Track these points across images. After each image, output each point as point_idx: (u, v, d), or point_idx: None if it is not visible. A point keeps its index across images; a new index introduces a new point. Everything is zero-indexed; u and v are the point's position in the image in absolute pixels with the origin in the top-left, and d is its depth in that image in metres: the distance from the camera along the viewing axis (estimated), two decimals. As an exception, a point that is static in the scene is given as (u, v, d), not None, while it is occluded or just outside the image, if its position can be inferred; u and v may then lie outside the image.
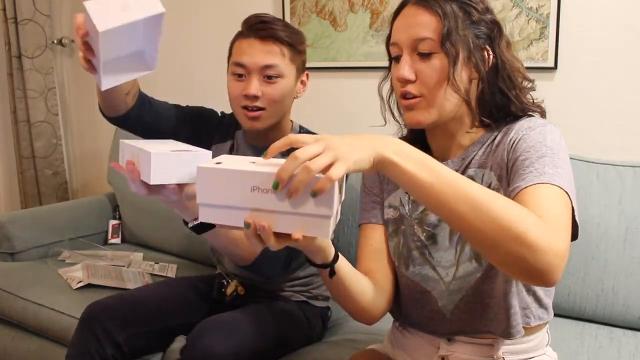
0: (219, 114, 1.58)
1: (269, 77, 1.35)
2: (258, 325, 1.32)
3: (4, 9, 2.56)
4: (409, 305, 1.10)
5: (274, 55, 1.35)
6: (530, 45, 1.67)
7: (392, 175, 0.79)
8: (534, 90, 1.04)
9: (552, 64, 1.65)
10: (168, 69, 2.48)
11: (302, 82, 1.45)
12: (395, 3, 1.99)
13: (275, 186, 0.74)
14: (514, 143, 0.96)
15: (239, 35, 1.39)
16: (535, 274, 0.77)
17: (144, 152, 0.94)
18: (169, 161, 0.93)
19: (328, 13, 2.00)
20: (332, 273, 0.96)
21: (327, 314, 1.56)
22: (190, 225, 1.05)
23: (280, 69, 1.36)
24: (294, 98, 1.45)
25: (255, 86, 1.34)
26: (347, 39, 1.98)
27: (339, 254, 0.97)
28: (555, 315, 1.17)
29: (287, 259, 1.34)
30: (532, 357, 1.05)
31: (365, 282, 1.04)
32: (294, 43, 1.38)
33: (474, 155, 1.02)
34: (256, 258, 1.21)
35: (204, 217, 0.83)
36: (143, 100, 1.45)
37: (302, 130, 1.50)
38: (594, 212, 1.45)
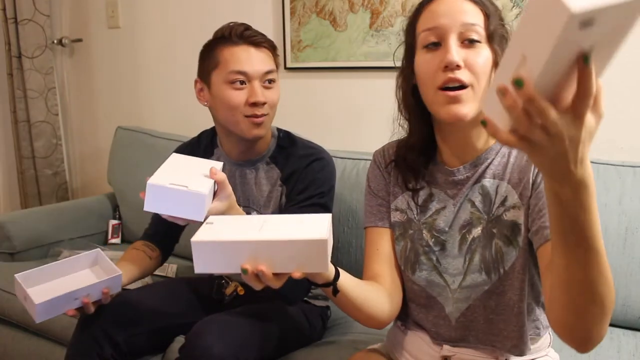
0: (192, 140, 1.58)
1: (269, 82, 1.37)
2: (257, 324, 1.32)
3: (4, 9, 2.56)
4: (414, 308, 1.10)
5: (271, 60, 1.38)
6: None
7: (575, 200, 0.67)
8: None
9: (552, 64, 1.65)
10: (169, 67, 2.49)
11: None
12: (396, 3, 1.99)
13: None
14: None
15: (225, 42, 1.36)
16: (584, 343, 0.79)
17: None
18: (162, 194, 0.95)
19: (328, 13, 2.00)
20: (336, 291, 0.95)
21: (327, 313, 1.56)
22: None
23: (275, 74, 1.39)
24: None
25: (261, 93, 1.35)
26: (347, 39, 1.98)
27: (340, 270, 0.96)
28: (556, 315, 1.17)
29: (309, 284, 1.36)
30: (535, 359, 1.05)
31: (371, 290, 1.04)
32: (275, 47, 1.42)
33: (489, 164, 1.00)
34: (282, 283, 1.22)
35: (200, 268, 0.84)
36: (159, 244, 1.53)
37: (281, 133, 1.49)
38: (594, 212, 1.44)
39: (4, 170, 2.89)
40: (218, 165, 1.07)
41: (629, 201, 1.43)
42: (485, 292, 0.99)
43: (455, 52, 0.90)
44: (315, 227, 0.87)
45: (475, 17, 0.93)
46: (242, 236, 0.83)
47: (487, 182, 0.99)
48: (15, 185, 2.82)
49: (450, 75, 0.90)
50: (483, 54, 0.92)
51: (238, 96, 1.35)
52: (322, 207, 1.40)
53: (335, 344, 1.42)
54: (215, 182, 1.05)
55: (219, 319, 1.31)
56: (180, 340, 1.44)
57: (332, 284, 0.94)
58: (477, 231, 0.99)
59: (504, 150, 1.00)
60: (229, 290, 1.52)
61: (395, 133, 1.10)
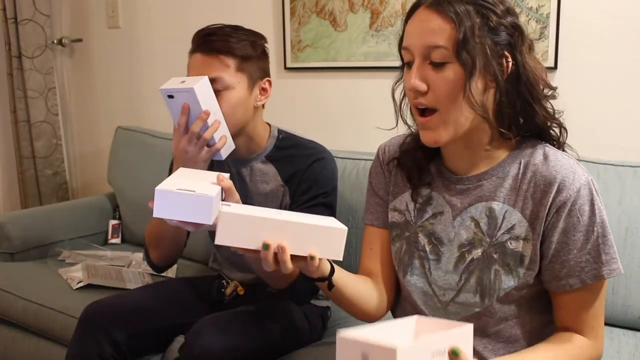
0: None
1: (216, 91, 1.30)
2: (257, 324, 1.32)
3: (4, 9, 2.56)
4: (408, 309, 1.10)
5: (215, 69, 1.31)
6: (532, 46, 1.67)
7: None
8: (555, 98, 0.98)
9: (552, 64, 1.65)
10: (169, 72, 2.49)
11: (263, 89, 1.40)
12: (396, 3, 1.99)
13: None
14: (560, 203, 0.92)
15: (190, 52, 1.37)
16: None
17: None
18: (170, 199, 0.97)
19: (328, 13, 2.00)
20: (331, 286, 0.97)
21: (327, 313, 1.56)
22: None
23: (225, 81, 1.31)
24: (254, 107, 1.39)
25: None
26: (347, 39, 1.98)
27: (334, 265, 0.98)
28: (556, 315, 1.17)
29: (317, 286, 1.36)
30: None
31: (364, 286, 1.06)
32: (238, 52, 1.33)
33: (498, 185, 0.97)
34: (290, 283, 1.24)
35: (221, 240, 0.87)
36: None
37: (281, 134, 1.47)
38: (594, 212, 1.44)
39: (4, 170, 2.89)
40: (225, 175, 1.08)
41: (629, 201, 1.42)
42: (476, 313, 0.99)
43: (417, 77, 0.91)
44: (330, 220, 0.93)
45: (440, 35, 0.89)
46: (267, 215, 0.88)
47: (496, 205, 0.97)
48: (15, 185, 2.82)
49: (414, 100, 0.93)
50: (447, 76, 0.89)
51: None
52: (326, 206, 1.40)
53: (335, 344, 1.42)
54: (222, 189, 1.06)
55: (219, 318, 1.32)
56: (180, 340, 1.44)
57: (328, 279, 0.96)
58: (477, 253, 0.98)
59: (513, 172, 0.97)
60: (229, 290, 1.52)
61: (400, 131, 1.09)
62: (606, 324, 1.46)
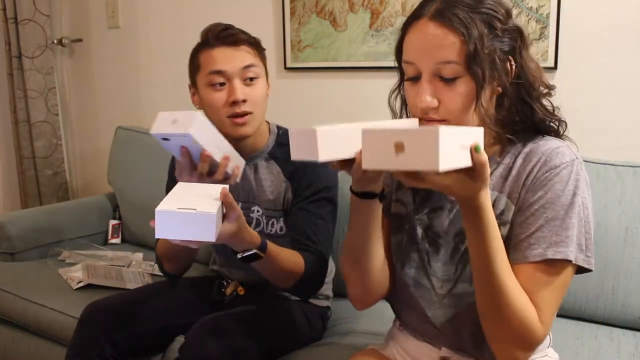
0: None
1: (250, 79, 1.35)
2: (257, 324, 1.32)
3: (4, 9, 2.56)
4: (401, 306, 1.10)
5: (248, 57, 1.36)
6: (530, 45, 1.67)
7: (469, 216, 0.84)
8: (552, 96, 0.98)
9: (552, 64, 1.65)
10: (169, 69, 2.49)
11: (268, 83, 1.46)
12: (396, 3, 1.99)
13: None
14: (535, 179, 0.91)
15: (204, 46, 1.37)
16: (517, 354, 0.91)
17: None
18: (172, 219, 0.96)
19: (328, 13, 2.00)
20: (383, 197, 0.96)
21: (327, 313, 1.56)
22: (239, 256, 1.16)
23: (257, 69, 1.37)
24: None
25: (241, 90, 1.33)
26: (347, 39, 1.98)
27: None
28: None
29: (322, 280, 1.39)
30: (534, 359, 1.04)
31: (384, 257, 1.05)
32: (258, 43, 1.41)
33: (490, 175, 0.95)
34: (296, 282, 1.28)
35: (324, 155, 0.80)
36: None
37: (280, 130, 1.48)
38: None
39: (4, 170, 2.89)
40: (226, 186, 1.07)
41: (629, 201, 1.43)
42: (472, 303, 0.97)
43: (427, 94, 0.88)
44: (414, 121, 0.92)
45: (449, 50, 0.86)
46: (360, 126, 0.81)
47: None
48: (15, 185, 2.82)
49: (425, 116, 0.90)
50: (459, 90, 0.88)
51: (219, 98, 1.35)
52: (329, 200, 1.40)
53: (335, 345, 1.42)
54: (222, 203, 1.06)
55: (219, 318, 1.32)
56: (180, 340, 1.44)
57: (380, 195, 0.95)
58: None
59: (507, 161, 0.97)
60: (229, 290, 1.52)
61: None
62: (606, 324, 1.47)
